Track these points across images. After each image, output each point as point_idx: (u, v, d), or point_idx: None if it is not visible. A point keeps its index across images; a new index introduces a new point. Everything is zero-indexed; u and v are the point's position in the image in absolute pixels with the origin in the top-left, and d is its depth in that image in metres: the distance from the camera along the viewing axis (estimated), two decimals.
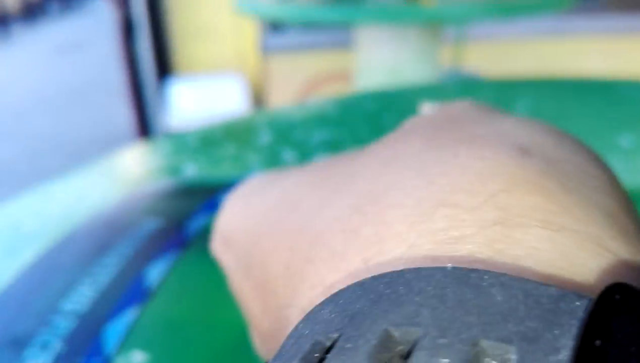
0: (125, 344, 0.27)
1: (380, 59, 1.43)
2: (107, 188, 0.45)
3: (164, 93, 2.70)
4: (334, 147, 0.50)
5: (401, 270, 0.09)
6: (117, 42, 2.79)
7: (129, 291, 0.31)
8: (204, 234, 0.37)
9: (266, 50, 2.56)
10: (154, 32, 2.68)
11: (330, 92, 2.62)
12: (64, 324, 0.28)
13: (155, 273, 0.33)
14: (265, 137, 0.53)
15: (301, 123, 0.56)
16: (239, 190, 0.19)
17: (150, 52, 2.68)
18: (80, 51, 8.28)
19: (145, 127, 2.98)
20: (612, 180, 0.12)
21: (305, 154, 0.49)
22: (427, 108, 0.21)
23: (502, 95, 0.62)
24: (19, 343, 0.27)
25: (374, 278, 0.10)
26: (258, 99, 2.75)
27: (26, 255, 0.35)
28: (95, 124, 4.95)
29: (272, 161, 0.48)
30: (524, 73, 2.51)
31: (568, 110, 0.56)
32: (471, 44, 2.18)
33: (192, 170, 0.47)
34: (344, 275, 0.11)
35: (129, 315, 0.29)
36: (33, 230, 0.38)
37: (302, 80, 2.60)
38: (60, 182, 0.46)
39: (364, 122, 0.56)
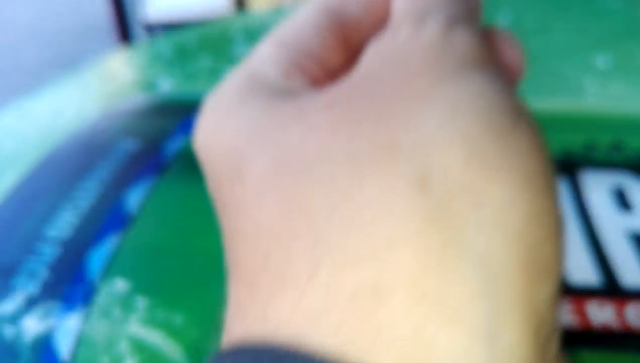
0: (108, 271, 0.29)
1: None
2: (82, 104, 0.45)
3: None
4: None
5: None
6: None
7: (109, 217, 0.33)
8: (182, 157, 0.38)
9: None
10: None
11: None
12: (49, 251, 0.30)
13: (134, 197, 0.34)
14: (241, 47, 0.53)
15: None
16: (223, 94, 0.16)
17: None
18: None
19: (122, 18, 2.87)
20: (540, 212, 0.11)
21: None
22: None
23: (487, 3, 0.61)
24: (7, 272, 0.29)
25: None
26: None
27: (7, 178, 0.36)
28: (72, 12, 4.76)
29: None
30: None
31: (548, 24, 0.55)
32: None
33: (167, 85, 0.47)
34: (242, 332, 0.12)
35: (111, 242, 0.31)
36: (12, 151, 0.39)
37: None
38: (35, 99, 0.46)
39: None
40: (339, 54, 0.17)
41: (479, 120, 0.12)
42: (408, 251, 0.10)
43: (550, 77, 0.46)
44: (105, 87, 0.47)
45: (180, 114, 0.42)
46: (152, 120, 0.42)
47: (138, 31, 2.93)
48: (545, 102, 0.42)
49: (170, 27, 2.51)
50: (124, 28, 2.85)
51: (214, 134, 0.15)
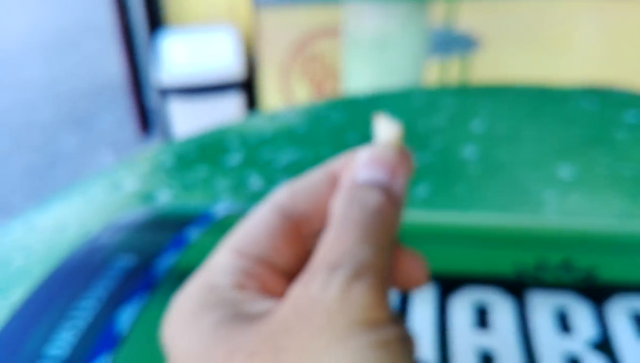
0: None
1: (369, 25, 1.45)
2: (86, 217, 0.50)
3: (155, 45, 2.70)
4: (298, 170, 0.55)
5: None
6: None
7: (102, 337, 0.37)
8: (172, 274, 0.42)
9: (258, 3, 2.54)
10: None
11: (322, 49, 2.62)
12: None
13: (125, 317, 0.38)
14: (234, 158, 0.58)
15: (269, 141, 0.61)
16: (184, 303, 0.21)
17: (141, 2, 2.66)
18: None
19: (136, 78, 2.99)
20: None
21: (270, 180, 0.54)
22: (382, 121, 0.24)
23: (462, 105, 0.66)
24: None
25: None
26: (250, 53, 2.75)
27: (15, 295, 0.41)
28: (88, 73, 4.93)
29: (240, 187, 0.53)
30: (518, 32, 2.51)
31: (517, 132, 0.60)
32: (464, 1, 2.17)
33: (165, 196, 0.52)
34: None
35: (103, 362, 0.35)
36: (20, 267, 0.44)
37: (294, 35, 2.60)
38: (42, 210, 0.51)
39: (328, 139, 0.61)
40: (288, 253, 0.22)
41: None
42: None
43: (512, 190, 0.50)
44: (107, 198, 0.53)
45: (173, 228, 0.47)
46: (148, 236, 0.47)
47: (151, 93, 3.04)
48: (502, 216, 0.46)
49: (183, 91, 2.61)
50: (138, 91, 2.96)
51: (173, 339, 0.20)
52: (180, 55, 2.64)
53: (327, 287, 0.18)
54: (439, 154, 0.56)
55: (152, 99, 2.91)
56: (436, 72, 2.14)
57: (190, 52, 2.65)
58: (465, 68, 2.02)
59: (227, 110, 2.74)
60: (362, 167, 0.22)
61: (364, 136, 0.60)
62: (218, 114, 2.75)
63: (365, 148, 0.23)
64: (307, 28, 2.60)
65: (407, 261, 0.22)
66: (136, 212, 0.50)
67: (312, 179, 0.23)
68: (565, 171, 0.52)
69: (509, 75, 2.57)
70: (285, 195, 0.23)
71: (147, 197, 0.52)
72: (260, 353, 0.18)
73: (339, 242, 0.20)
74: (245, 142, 0.62)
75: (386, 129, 0.24)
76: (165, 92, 2.63)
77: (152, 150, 0.61)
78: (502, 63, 2.47)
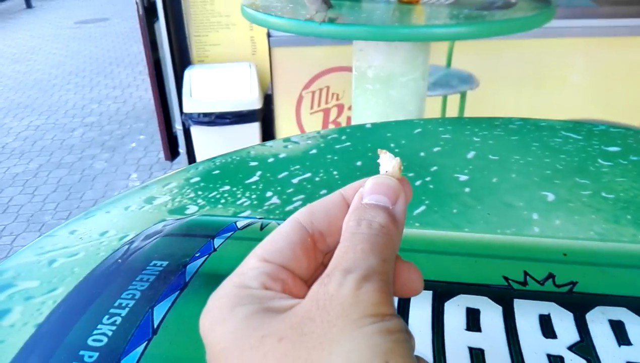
0: None
1: (375, 63, 1.49)
2: (124, 226, 0.53)
3: (182, 77, 2.76)
4: (309, 189, 0.58)
5: None
6: (138, 22, 2.84)
7: (138, 330, 0.39)
8: (200, 276, 0.44)
9: (275, 42, 2.60)
10: (173, 21, 2.72)
11: (331, 83, 2.67)
12: (89, 358, 0.37)
13: (159, 313, 0.41)
14: (253, 178, 0.61)
15: (284, 163, 0.63)
16: (219, 298, 0.24)
17: (169, 40, 2.72)
18: (101, 25, 8.28)
19: (164, 107, 3.04)
20: None
21: (285, 197, 0.56)
22: (384, 155, 0.28)
23: (458, 135, 0.68)
24: None
25: None
26: (266, 86, 2.80)
27: (58, 291, 0.43)
28: (117, 100, 5.01)
29: (258, 203, 0.56)
30: (512, 71, 2.54)
31: (508, 161, 0.62)
32: (461, 43, 2.21)
33: (194, 208, 0.55)
34: None
35: (138, 351, 0.37)
36: (63, 268, 0.46)
37: (306, 71, 2.65)
38: (86, 219, 0.54)
39: (337, 163, 0.63)
40: (306, 262, 0.25)
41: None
42: None
43: (501, 211, 0.52)
44: (143, 210, 0.55)
45: (202, 237, 0.49)
46: (180, 243, 0.49)
47: (177, 121, 3.09)
48: (494, 232, 0.48)
49: (205, 119, 2.66)
50: (166, 119, 3.02)
51: (210, 331, 0.23)
52: (204, 87, 2.70)
53: (342, 285, 0.21)
54: (436, 177, 0.59)
55: (178, 126, 2.96)
56: (437, 107, 2.17)
57: (213, 84, 2.70)
58: (463, 103, 2.06)
59: (246, 137, 2.78)
60: (368, 191, 0.25)
61: (370, 160, 0.63)
62: (237, 141, 2.79)
63: (371, 176, 0.26)
64: (317, 64, 2.65)
65: (406, 272, 0.25)
66: (169, 222, 0.52)
67: (327, 201, 0.27)
68: (550, 195, 0.54)
69: (505, 110, 2.60)
70: (305, 213, 0.26)
71: (178, 209, 0.55)
72: (287, 338, 0.20)
73: (350, 252, 0.23)
74: (263, 163, 0.64)
75: (388, 162, 0.27)
76: (190, 120, 2.68)
77: (181, 170, 0.64)
78: (497, 99, 2.51)
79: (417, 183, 0.57)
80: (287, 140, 0.71)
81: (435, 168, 0.60)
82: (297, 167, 0.63)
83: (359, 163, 0.63)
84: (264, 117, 2.78)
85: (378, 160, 0.28)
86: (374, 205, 0.25)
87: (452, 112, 2.15)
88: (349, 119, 2.71)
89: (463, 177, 0.58)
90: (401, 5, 1.40)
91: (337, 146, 0.67)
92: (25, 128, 4.39)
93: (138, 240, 0.49)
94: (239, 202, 0.56)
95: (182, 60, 2.84)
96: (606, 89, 2.51)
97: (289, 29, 1.29)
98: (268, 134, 2.88)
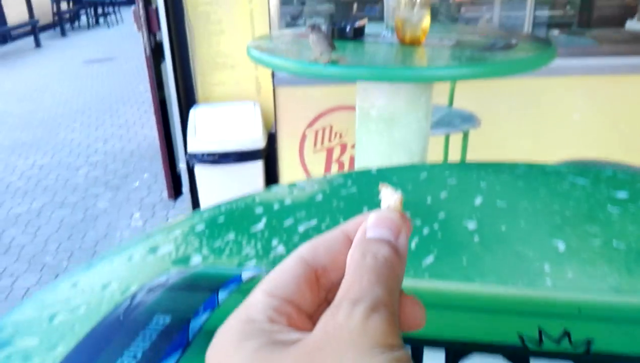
0: None
1: (378, 103, 1.49)
2: (126, 277, 0.51)
3: (187, 117, 2.78)
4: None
5: None
6: (145, 61, 2.88)
7: None
8: (203, 333, 0.43)
9: (279, 81, 2.63)
10: (179, 61, 2.76)
11: (334, 121, 2.68)
12: None
13: None
14: (258, 225, 0.60)
15: (289, 210, 0.63)
16: (227, 332, 0.24)
17: (175, 79, 2.76)
18: (108, 64, 8.42)
19: (169, 146, 3.06)
20: None
21: (291, 245, 0.55)
22: (386, 189, 0.29)
23: (464, 180, 0.68)
24: None
25: None
26: (271, 126, 2.82)
27: (58, 351, 0.42)
28: (122, 138, 5.05)
29: (264, 252, 0.55)
30: (514, 109, 2.56)
31: (516, 207, 0.61)
32: (463, 82, 2.23)
33: (198, 259, 0.54)
34: None
35: None
36: (64, 324, 0.45)
37: (311, 110, 2.68)
38: (88, 270, 0.53)
39: (343, 209, 0.62)
40: (310, 297, 0.25)
41: None
42: None
43: (512, 261, 0.51)
44: (146, 260, 0.54)
45: (206, 290, 0.48)
46: (182, 297, 0.48)
47: (181, 160, 3.10)
48: (506, 285, 0.47)
49: (209, 158, 2.67)
50: (170, 158, 3.03)
51: None
52: (209, 127, 2.71)
53: (350, 316, 0.22)
54: (444, 225, 0.58)
55: (182, 165, 2.97)
56: (440, 146, 2.18)
57: (217, 123, 2.72)
58: (466, 143, 2.06)
59: (249, 176, 2.78)
60: (372, 225, 0.26)
61: (376, 206, 0.62)
62: (240, 179, 2.79)
63: (373, 211, 0.27)
64: (321, 103, 2.67)
65: (410, 305, 0.25)
66: (172, 274, 0.51)
67: (329, 237, 0.27)
68: (561, 244, 0.53)
69: (507, 148, 2.60)
70: (308, 249, 0.27)
71: (181, 260, 0.54)
72: None
73: (357, 283, 0.23)
74: (269, 210, 0.63)
75: (389, 197, 0.28)
76: (194, 159, 2.69)
77: (185, 217, 0.63)
78: (499, 138, 2.51)
79: (425, 231, 0.56)
80: (292, 185, 0.71)
81: (442, 215, 0.59)
82: (303, 213, 0.62)
83: (365, 209, 0.62)
84: (268, 155, 2.79)
85: (379, 196, 0.28)
86: (377, 239, 0.25)
87: (455, 150, 2.15)
88: (352, 157, 2.71)
89: (471, 225, 0.57)
90: (404, 46, 1.42)
91: (343, 192, 0.67)
92: (30, 167, 4.41)
93: (141, 293, 0.48)
94: (244, 252, 0.55)
95: (187, 99, 2.88)
96: (608, 127, 2.52)
97: (295, 70, 1.30)
98: (271, 172, 2.89)
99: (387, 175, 0.72)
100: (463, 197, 0.63)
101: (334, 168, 2.77)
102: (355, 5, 3.53)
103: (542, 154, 2.55)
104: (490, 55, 1.24)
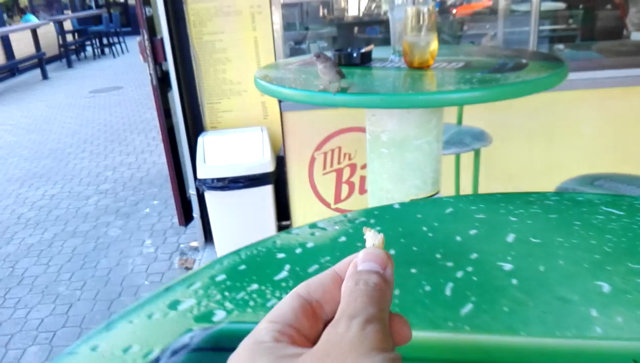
0: None
1: (389, 127, 1.47)
2: (148, 338, 0.48)
3: (196, 143, 2.76)
4: None
5: None
6: (152, 91, 2.88)
7: None
8: None
9: (286, 106, 2.61)
10: (186, 89, 2.76)
11: (342, 143, 2.66)
12: None
13: None
14: (281, 273, 0.56)
15: (312, 253, 0.59)
16: (240, 353, 0.28)
17: (182, 108, 2.75)
18: (114, 93, 8.47)
19: (178, 172, 3.04)
20: None
21: None
22: (369, 232, 0.33)
23: (493, 215, 0.64)
24: None
25: None
26: (279, 149, 2.80)
27: None
28: (131, 166, 5.05)
29: None
30: (524, 126, 2.52)
31: (551, 244, 0.58)
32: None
33: (222, 314, 0.51)
34: None
35: None
36: None
37: (319, 133, 2.65)
38: (108, 332, 0.49)
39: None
40: (308, 324, 0.29)
41: None
42: None
43: (556, 306, 0.47)
44: (168, 317, 0.51)
45: (232, 350, 0.45)
46: (208, 359, 0.45)
47: (191, 186, 3.07)
48: (554, 337, 0.44)
49: (219, 184, 2.64)
50: (180, 184, 3.01)
51: None
52: (217, 153, 2.70)
53: (349, 327, 0.26)
54: (478, 267, 0.54)
55: (192, 191, 2.95)
56: (451, 165, 2.14)
57: (226, 149, 2.70)
58: (478, 161, 2.03)
59: (259, 200, 2.75)
60: (362, 260, 0.31)
61: (403, 247, 0.59)
62: (251, 204, 2.76)
63: (362, 250, 0.32)
64: (328, 126, 2.65)
65: (398, 323, 0.29)
66: (195, 333, 0.48)
67: (321, 275, 0.32)
68: (605, 285, 0.50)
69: (519, 165, 2.57)
70: (302, 286, 0.31)
71: (204, 316, 0.51)
72: None
73: (352, 303, 0.28)
74: (291, 255, 0.60)
75: (374, 237, 0.33)
76: (204, 185, 2.66)
77: (206, 266, 0.60)
78: (510, 154, 2.48)
79: (459, 274, 0.53)
80: (313, 226, 0.67)
81: (475, 255, 0.56)
82: (327, 258, 0.59)
83: (392, 251, 0.59)
84: (277, 179, 2.77)
85: (364, 236, 0.33)
86: (367, 270, 0.30)
87: (465, 169, 2.12)
88: (362, 178, 2.68)
89: (507, 266, 0.54)
90: (412, 70, 1.40)
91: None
92: (41, 197, 4.41)
93: (164, 357, 0.45)
94: (269, 304, 0.52)
95: (195, 126, 2.86)
96: (618, 140, 2.48)
97: (303, 99, 1.28)
98: (281, 195, 2.86)
99: (410, 210, 0.68)
100: (494, 233, 0.60)
101: (344, 189, 2.74)
102: (356, 28, 3.54)
103: (554, 167, 2.51)
104: (502, 77, 1.21)
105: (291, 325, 0.28)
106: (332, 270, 0.32)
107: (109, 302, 2.87)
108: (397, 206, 0.70)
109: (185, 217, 3.16)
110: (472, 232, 0.61)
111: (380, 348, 0.25)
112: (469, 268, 0.54)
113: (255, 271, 0.58)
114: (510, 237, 0.59)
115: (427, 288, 0.51)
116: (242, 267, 0.59)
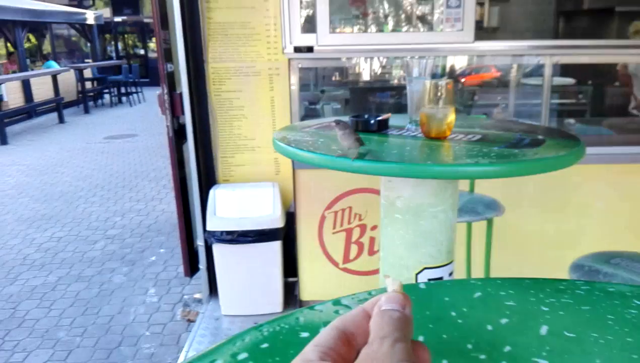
0: None
1: (404, 196, 1.46)
2: None
3: (207, 196, 2.76)
4: None
5: None
6: (165, 139, 2.90)
7: None
8: None
9: (299, 164, 2.62)
10: (201, 143, 2.78)
11: (353, 204, 2.65)
12: None
13: None
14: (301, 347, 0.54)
15: None
16: None
17: (197, 160, 2.76)
18: (129, 141, 8.58)
19: (188, 223, 3.03)
20: None
21: None
22: (389, 278, 0.39)
23: (524, 303, 0.62)
24: None
25: None
26: (289, 205, 2.79)
27: None
28: (139, 214, 5.04)
29: None
30: (536, 197, 2.51)
31: (588, 333, 0.55)
32: None
33: None
34: None
35: None
36: None
37: (330, 192, 2.65)
38: None
39: None
40: (345, 350, 0.35)
41: None
42: None
43: None
44: None
45: None
46: None
47: (199, 238, 3.05)
48: None
49: (228, 237, 2.62)
50: (188, 235, 2.99)
51: None
52: (228, 206, 2.69)
53: (381, 345, 0.32)
54: (513, 362, 0.52)
55: (200, 243, 2.92)
56: (462, 232, 2.12)
57: (236, 203, 2.69)
58: (491, 231, 2.00)
59: (267, 255, 2.72)
60: (384, 302, 0.36)
61: (432, 334, 0.56)
62: (258, 258, 2.73)
63: (384, 294, 0.37)
64: (340, 185, 2.65)
65: (419, 349, 0.35)
66: None
67: (353, 312, 0.38)
68: None
69: (531, 236, 2.54)
70: (338, 320, 0.37)
71: None
72: None
73: (381, 330, 0.34)
74: (315, 334, 0.58)
75: (393, 284, 0.39)
76: (212, 237, 2.64)
77: (226, 341, 0.57)
78: (522, 225, 2.46)
79: None
80: (337, 302, 0.65)
81: (508, 348, 0.53)
82: None
83: (421, 338, 0.56)
84: (286, 235, 2.74)
85: (385, 283, 0.40)
86: (390, 309, 0.36)
87: (478, 238, 2.09)
88: (372, 239, 2.66)
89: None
90: (429, 141, 1.40)
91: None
92: (48, 239, 4.38)
93: None
94: None
95: (207, 178, 2.87)
96: (632, 217, 2.46)
97: (322, 164, 1.27)
98: (290, 252, 2.83)
99: (436, 292, 0.66)
100: (526, 324, 0.57)
101: (353, 249, 2.71)
102: (369, 92, 3.60)
103: (567, 241, 2.48)
104: (520, 153, 1.21)
105: (333, 349, 0.34)
106: (362, 309, 0.38)
107: (109, 352, 2.79)
108: (422, 286, 0.68)
109: (191, 267, 3.12)
110: (503, 321, 0.58)
111: (407, 360, 0.32)
112: (503, 359, 0.51)
113: (279, 351, 0.55)
114: (544, 329, 0.56)
115: None
116: (265, 345, 0.57)
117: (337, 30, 2.64)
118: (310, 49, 2.52)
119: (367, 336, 0.34)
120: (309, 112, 3.03)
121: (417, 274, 1.49)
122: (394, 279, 0.39)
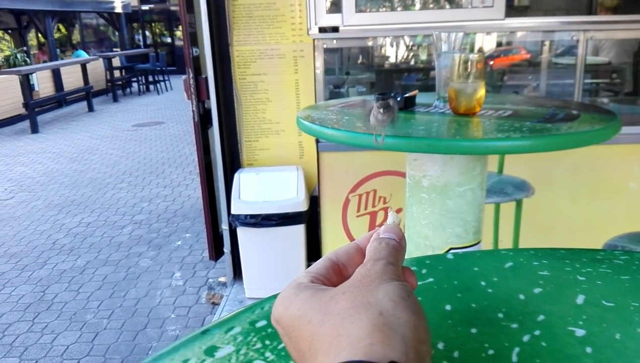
0: None
1: (431, 173, 1.42)
2: None
3: (231, 180, 2.76)
4: None
5: None
6: (191, 126, 2.90)
7: None
8: None
9: (323, 147, 2.59)
10: (226, 127, 2.77)
11: (378, 186, 2.61)
12: None
13: None
14: None
15: None
16: (286, 291, 0.37)
17: (222, 145, 2.76)
18: (156, 128, 8.67)
19: (213, 208, 3.04)
20: (419, 325, 0.33)
21: None
22: (390, 213, 0.44)
23: (559, 272, 0.59)
24: None
25: None
26: (313, 189, 2.77)
27: None
28: (166, 199, 5.09)
29: None
30: (567, 178, 2.44)
31: (626, 302, 0.52)
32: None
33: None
34: None
35: None
36: None
37: (354, 175, 2.62)
38: None
39: (426, 307, 0.54)
40: (336, 277, 0.39)
41: (396, 297, 0.34)
42: (365, 333, 0.31)
43: None
44: None
45: None
46: None
47: (224, 222, 3.05)
48: None
49: (252, 220, 2.62)
50: (213, 219, 3.00)
51: (285, 310, 0.36)
52: (252, 190, 2.68)
53: (375, 265, 0.37)
54: (547, 331, 0.48)
55: (224, 227, 2.93)
56: (489, 214, 2.07)
57: (261, 187, 2.69)
58: (519, 212, 1.95)
59: (291, 239, 2.71)
60: (382, 231, 0.41)
61: (460, 303, 0.53)
62: (282, 242, 2.72)
63: (383, 225, 0.42)
64: (364, 168, 2.62)
65: (407, 273, 0.38)
66: None
67: (347, 246, 0.41)
68: None
69: (561, 219, 2.47)
70: (332, 253, 0.41)
71: None
72: (348, 290, 0.35)
73: (378, 253, 0.38)
74: None
75: (393, 217, 0.43)
76: (237, 221, 2.64)
77: (245, 309, 0.55)
78: (551, 207, 2.39)
79: (526, 338, 0.47)
80: None
81: (542, 317, 0.50)
82: None
83: (448, 307, 0.53)
84: (310, 219, 2.73)
85: (387, 214, 0.44)
86: (388, 237, 0.40)
87: (505, 220, 2.04)
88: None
89: (579, 332, 0.48)
90: (458, 117, 1.36)
91: (420, 283, 0.58)
92: (77, 224, 4.46)
93: None
94: None
95: (232, 163, 2.87)
96: None
97: (346, 141, 1.24)
98: (314, 235, 2.81)
99: (465, 262, 0.63)
100: (561, 294, 0.54)
101: None
102: (394, 75, 3.54)
103: (598, 222, 2.40)
104: (553, 127, 1.16)
105: (324, 275, 0.38)
106: (356, 243, 0.42)
107: (135, 333, 2.83)
108: (450, 257, 0.65)
109: (216, 251, 3.14)
110: (537, 290, 0.55)
111: (397, 278, 0.35)
112: (537, 332, 0.48)
113: None
114: (580, 299, 0.53)
115: (491, 352, 0.45)
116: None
117: (363, 9, 2.59)
118: (335, 29, 2.48)
119: (357, 265, 0.38)
120: (334, 95, 2.99)
121: None
122: (396, 214, 0.44)
